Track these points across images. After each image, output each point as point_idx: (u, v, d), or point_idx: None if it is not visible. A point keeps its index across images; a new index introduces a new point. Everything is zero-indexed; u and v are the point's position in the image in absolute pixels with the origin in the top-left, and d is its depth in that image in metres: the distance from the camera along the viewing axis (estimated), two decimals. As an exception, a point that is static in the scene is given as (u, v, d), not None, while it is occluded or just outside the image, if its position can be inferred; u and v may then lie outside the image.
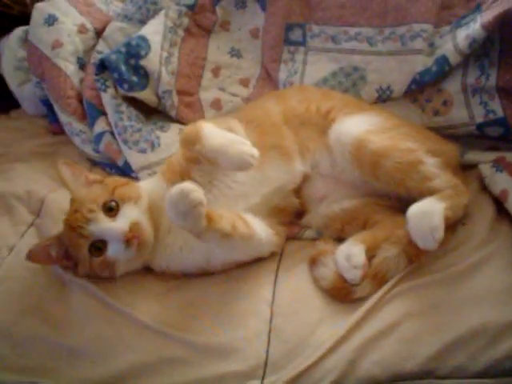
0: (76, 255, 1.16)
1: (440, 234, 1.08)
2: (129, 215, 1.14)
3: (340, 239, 1.22)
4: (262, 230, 1.19)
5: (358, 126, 1.24)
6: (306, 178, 1.31)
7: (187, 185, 1.02)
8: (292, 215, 1.33)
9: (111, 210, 1.15)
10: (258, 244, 1.19)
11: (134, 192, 1.20)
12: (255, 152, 1.10)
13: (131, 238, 1.11)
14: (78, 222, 1.13)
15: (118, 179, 1.27)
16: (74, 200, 1.19)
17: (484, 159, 1.37)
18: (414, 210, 1.11)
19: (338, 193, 1.31)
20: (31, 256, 1.16)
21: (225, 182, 1.23)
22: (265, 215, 1.24)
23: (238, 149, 1.10)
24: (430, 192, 1.16)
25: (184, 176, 1.19)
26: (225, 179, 1.23)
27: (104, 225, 1.12)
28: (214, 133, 1.14)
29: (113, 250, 1.12)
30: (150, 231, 1.16)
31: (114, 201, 1.16)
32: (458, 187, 1.18)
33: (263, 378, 1.02)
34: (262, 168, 1.22)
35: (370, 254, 1.15)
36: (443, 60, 1.39)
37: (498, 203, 1.26)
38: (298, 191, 1.31)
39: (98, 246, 1.12)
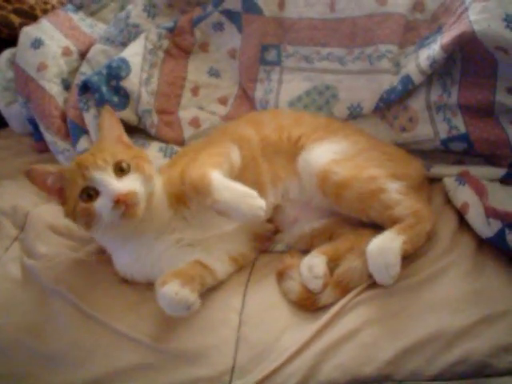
0: (67, 192, 1.18)
1: (395, 271, 1.13)
2: (132, 184, 1.16)
3: (307, 251, 1.26)
4: (221, 268, 1.25)
5: (323, 156, 1.28)
6: (277, 207, 1.35)
7: (178, 289, 1.09)
8: (266, 236, 1.38)
9: (121, 171, 1.17)
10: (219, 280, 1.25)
11: (150, 171, 1.22)
12: (264, 204, 1.12)
13: (121, 202, 1.12)
14: (87, 163, 1.15)
15: (145, 154, 1.30)
16: (96, 145, 1.24)
17: (449, 173, 1.42)
18: (372, 246, 1.15)
19: (308, 216, 1.35)
20: (30, 173, 1.19)
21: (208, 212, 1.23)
22: (238, 237, 1.30)
23: (248, 204, 1.11)
24: (392, 220, 1.20)
25: (180, 199, 1.23)
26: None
27: (106, 177, 1.14)
28: (224, 185, 1.14)
29: (100, 204, 1.13)
30: (142, 210, 1.16)
31: (128, 164, 1.19)
32: (419, 213, 1.21)
33: (230, 383, 1.06)
34: None
35: (333, 264, 1.20)
36: (407, 79, 1.44)
37: (461, 215, 1.30)
38: (269, 219, 1.35)
39: (90, 194, 1.14)
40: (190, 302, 1.08)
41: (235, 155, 1.30)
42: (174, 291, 1.08)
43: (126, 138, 1.31)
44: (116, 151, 1.21)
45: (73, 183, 1.16)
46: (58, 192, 1.21)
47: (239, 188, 1.14)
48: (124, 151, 1.23)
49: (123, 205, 1.12)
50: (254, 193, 1.12)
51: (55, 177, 1.19)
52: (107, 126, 1.27)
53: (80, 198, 1.15)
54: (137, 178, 1.18)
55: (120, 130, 1.30)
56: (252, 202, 1.11)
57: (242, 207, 1.11)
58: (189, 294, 1.09)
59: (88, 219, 1.16)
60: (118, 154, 1.20)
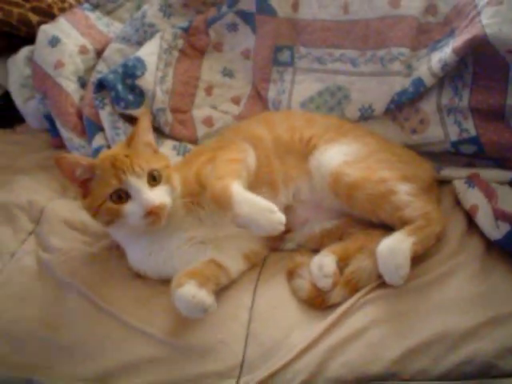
0: (96, 188, 1.20)
1: (405, 271, 1.15)
2: (163, 196, 1.20)
3: (317, 250, 1.28)
4: (235, 267, 1.27)
5: (334, 157, 1.30)
6: (288, 208, 1.36)
7: (195, 291, 1.10)
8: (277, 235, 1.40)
9: (153, 180, 1.20)
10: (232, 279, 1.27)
11: (176, 182, 1.26)
12: (283, 219, 1.13)
13: (152, 214, 1.16)
14: (124, 166, 1.18)
15: (175, 163, 1.34)
16: (131, 146, 1.24)
17: (459, 175, 1.43)
18: (383, 246, 1.17)
19: (318, 216, 1.36)
20: (60, 160, 1.20)
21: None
22: (249, 235, 1.29)
23: (268, 218, 1.12)
24: (402, 221, 1.22)
25: (194, 198, 1.26)
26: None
27: (141, 186, 1.17)
28: (244, 199, 1.14)
29: (131, 209, 1.17)
30: (166, 219, 1.21)
31: (160, 175, 1.22)
32: (429, 215, 1.22)
33: (239, 378, 1.08)
34: None
35: (343, 264, 1.21)
36: (419, 82, 1.46)
37: (470, 218, 1.31)
38: None
39: (120, 195, 1.17)
40: (206, 305, 1.10)
41: (251, 159, 1.32)
42: (191, 294, 1.10)
43: (154, 143, 1.34)
44: (150, 159, 1.23)
45: (104, 181, 1.18)
46: (82, 184, 1.22)
47: (259, 202, 1.14)
48: (156, 160, 1.26)
49: (153, 216, 1.17)
50: (273, 207, 1.13)
51: (85, 169, 1.20)
52: (143, 130, 1.28)
53: (109, 197, 1.18)
54: (166, 190, 1.22)
55: (151, 135, 1.32)
56: (272, 216, 1.12)
57: (261, 222, 1.12)
58: (206, 297, 1.10)
59: (112, 218, 1.20)
60: (152, 162, 1.23)
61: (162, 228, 1.23)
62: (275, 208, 1.13)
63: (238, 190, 1.15)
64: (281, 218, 1.12)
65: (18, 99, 1.89)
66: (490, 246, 1.24)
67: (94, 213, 1.21)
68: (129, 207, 1.18)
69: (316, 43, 1.65)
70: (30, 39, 1.87)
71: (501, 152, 1.41)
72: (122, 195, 1.18)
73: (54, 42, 1.78)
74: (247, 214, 1.12)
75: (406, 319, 1.12)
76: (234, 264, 1.27)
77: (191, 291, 1.10)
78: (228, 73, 1.79)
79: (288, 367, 1.07)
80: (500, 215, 1.19)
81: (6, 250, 1.40)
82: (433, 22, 1.55)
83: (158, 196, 1.19)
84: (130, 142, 1.25)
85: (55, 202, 1.56)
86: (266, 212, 1.12)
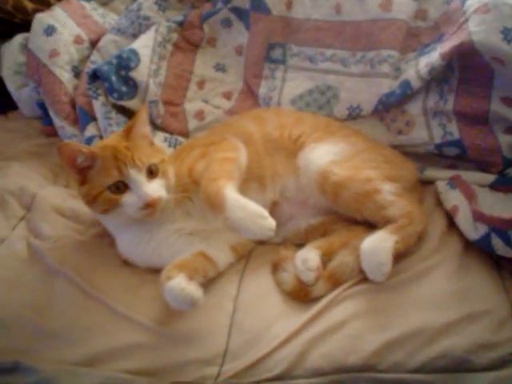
0: (95, 177, 1.22)
1: (387, 269, 1.19)
2: (160, 189, 1.23)
3: (302, 245, 1.31)
4: (223, 259, 1.30)
5: (323, 156, 1.33)
6: (274, 203, 1.39)
7: (184, 285, 1.13)
8: None
9: (151, 173, 1.24)
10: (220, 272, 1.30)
11: (172, 176, 1.29)
12: (273, 225, 1.15)
13: (149, 206, 1.20)
14: (126, 159, 1.20)
15: (167, 156, 1.35)
16: (129, 138, 1.26)
17: (441, 176, 1.47)
18: (366, 244, 1.21)
19: (304, 213, 1.39)
20: (62, 147, 1.21)
21: None
22: None
23: (258, 224, 1.14)
24: (385, 220, 1.25)
25: (185, 192, 1.28)
26: None
27: (141, 178, 1.21)
28: (237, 204, 1.16)
29: (129, 200, 1.20)
30: (159, 214, 1.24)
31: (157, 169, 1.25)
32: (411, 215, 1.26)
33: (221, 366, 1.11)
34: None
35: (326, 258, 1.25)
36: (406, 84, 1.49)
37: (450, 218, 1.35)
38: None
39: (119, 187, 1.20)
40: (195, 299, 1.12)
41: (243, 157, 1.35)
42: (180, 287, 1.12)
43: (151, 135, 1.36)
44: (149, 153, 1.27)
45: (105, 171, 1.21)
46: (80, 171, 1.24)
47: (251, 207, 1.16)
48: (154, 153, 1.29)
49: (150, 209, 1.21)
50: (264, 213, 1.16)
51: (86, 157, 1.21)
52: (141, 122, 1.30)
53: (108, 187, 1.21)
54: (163, 184, 1.25)
55: (148, 128, 1.35)
56: (262, 222, 1.15)
57: (252, 227, 1.14)
58: (194, 291, 1.13)
59: (109, 208, 1.22)
60: (151, 156, 1.26)
61: (152, 219, 1.26)
62: (266, 214, 1.16)
63: (230, 194, 1.18)
64: (271, 223, 1.15)
65: (12, 86, 1.90)
66: (469, 245, 1.28)
67: (91, 200, 1.23)
68: (127, 198, 1.21)
69: (308, 42, 1.68)
70: (25, 26, 1.88)
71: (483, 155, 1.45)
72: (121, 186, 1.21)
73: (50, 31, 1.79)
74: (239, 219, 1.15)
75: (385, 314, 1.15)
76: (222, 256, 1.30)
77: (181, 284, 1.13)
78: (220, 68, 1.81)
79: (269, 357, 1.10)
80: (479, 217, 1.23)
81: (-3, 235, 1.41)
82: (422, 26, 1.59)
83: (156, 189, 1.22)
84: (128, 133, 1.28)
85: (47, 189, 1.58)
86: (257, 217, 1.15)
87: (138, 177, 1.21)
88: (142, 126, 1.31)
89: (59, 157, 1.22)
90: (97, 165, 1.22)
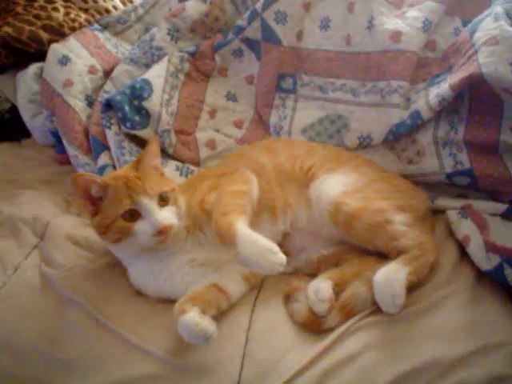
0: (108, 207, 1.23)
1: (401, 300, 1.18)
2: (171, 216, 1.25)
3: (314, 275, 1.31)
4: (236, 290, 1.30)
5: (335, 187, 1.33)
6: (285, 235, 1.40)
7: (198, 320, 1.13)
8: None
9: (162, 201, 1.25)
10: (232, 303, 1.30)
11: (182, 204, 1.31)
12: (284, 260, 1.14)
13: (161, 233, 1.21)
14: (137, 187, 1.23)
15: (178, 185, 1.37)
16: (139, 169, 1.28)
17: (452, 206, 1.48)
18: (379, 276, 1.21)
19: (315, 244, 1.39)
20: (77, 179, 1.23)
21: None
22: None
23: (269, 260, 1.14)
24: (397, 250, 1.25)
25: (196, 223, 1.30)
26: None
27: (153, 206, 1.22)
28: (248, 239, 1.16)
29: (141, 228, 1.22)
30: (170, 241, 1.26)
31: (168, 197, 1.27)
32: (424, 245, 1.26)
33: (234, 398, 1.11)
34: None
35: (339, 289, 1.24)
36: (416, 114, 1.51)
37: (462, 247, 1.34)
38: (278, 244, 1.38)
39: (131, 214, 1.22)
40: (209, 334, 1.12)
41: (255, 190, 1.35)
42: (194, 322, 1.12)
43: (161, 167, 1.39)
44: (159, 182, 1.29)
45: (117, 200, 1.22)
46: (94, 202, 1.26)
47: (262, 242, 1.16)
48: (165, 182, 1.31)
49: (162, 236, 1.22)
50: (275, 247, 1.15)
51: (99, 187, 1.24)
52: (151, 154, 1.33)
53: (121, 216, 1.22)
54: (174, 211, 1.26)
55: (159, 160, 1.38)
56: (273, 258, 1.14)
57: (263, 263, 1.14)
58: (208, 326, 1.13)
59: (122, 236, 1.23)
60: (162, 185, 1.28)
61: (164, 249, 1.27)
62: (276, 248, 1.15)
63: (242, 230, 1.18)
64: (281, 258, 1.14)
65: (26, 114, 1.92)
66: (481, 275, 1.27)
67: (104, 230, 1.24)
68: (139, 226, 1.22)
69: (318, 72, 1.71)
70: (40, 56, 1.91)
71: (493, 185, 1.45)
72: (133, 214, 1.22)
73: (64, 61, 1.82)
74: (249, 254, 1.15)
75: (398, 346, 1.14)
76: (235, 287, 1.30)
77: (195, 319, 1.13)
78: (231, 97, 1.84)
79: (282, 389, 1.10)
80: (491, 247, 1.23)
81: (10, 263, 1.42)
82: (431, 57, 1.61)
83: (167, 217, 1.24)
84: (138, 164, 1.30)
85: (59, 217, 1.59)
86: (268, 253, 1.14)
87: (149, 204, 1.22)
88: (153, 158, 1.34)
89: (73, 188, 1.24)
90: (109, 195, 1.24)
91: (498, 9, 1.46)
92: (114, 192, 1.23)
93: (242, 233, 1.17)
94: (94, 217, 1.26)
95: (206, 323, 1.13)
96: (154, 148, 1.33)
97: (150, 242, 1.23)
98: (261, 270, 1.16)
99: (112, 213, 1.23)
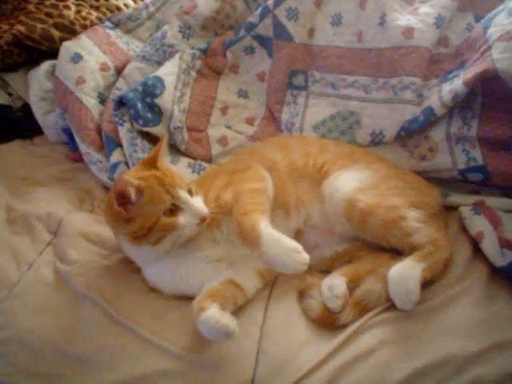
0: (146, 208, 1.20)
1: (415, 297, 1.18)
2: (203, 204, 1.27)
3: (328, 271, 1.32)
4: (251, 286, 1.30)
5: (348, 184, 1.34)
6: (298, 232, 1.40)
7: (219, 317, 1.12)
8: None
9: (189, 193, 1.27)
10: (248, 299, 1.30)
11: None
12: (307, 259, 1.15)
13: (205, 220, 1.24)
14: (173, 183, 1.24)
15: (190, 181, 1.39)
16: (159, 167, 1.29)
17: (465, 202, 1.47)
18: (394, 273, 1.21)
19: (329, 241, 1.39)
20: (121, 182, 1.20)
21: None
22: None
23: (293, 259, 1.14)
24: (411, 247, 1.26)
25: (212, 220, 1.28)
26: None
27: (188, 197, 1.24)
28: (272, 239, 1.17)
29: (185, 220, 1.22)
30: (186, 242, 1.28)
31: (191, 188, 1.28)
32: (438, 242, 1.26)
33: (249, 394, 1.11)
34: None
35: (353, 286, 1.25)
36: (429, 111, 1.50)
37: (475, 243, 1.34)
38: None
39: (171, 209, 1.22)
40: (230, 330, 1.11)
41: (270, 187, 1.35)
42: (215, 319, 1.12)
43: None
44: (180, 175, 1.30)
45: (156, 199, 1.21)
46: (125, 204, 1.22)
47: (286, 242, 1.16)
48: (183, 177, 1.32)
49: (205, 222, 1.24)
50: (299, 247, 1.15)
51: (136, 191, 1.21)
52: (163, 152, 1.35)
53: (164, 213, 1.22)
54: (201, 199, 1.28)
55: (168, 160, 1.41)
56: (297, 257, 1.14)
57: (287, 262, 1.14)
58: (229, 322, 1.12)
59: (166, 232, 1.22)
60: (183, 178, 1.30)
61: (179, 246, 1.28)
62: (300, 248, 1.16)
63: (265, 230, 1.18)
64: (305, 258, 1.15)
65: (38, 112, 1.94)
66: (495, 271, 1.27)
67: (144, 234, 1.22)
68: (183, 218, 1.23)
69: (330, 69, 1.71)
70: (52, 53, 1.93)
71: (507, 181, 1.44)
72: (172, 209, 1.23)
73: (77, 58, 1.83)
74: (274, 255, 1.15)
75: (413, 342, 1.15)
76: (250, 283, 1.30)
77: (215, 316, 1.12)
78: (243, 94, 1.85)
79: (297, 385, 1.10)
80: (505, 243, 1.23)
81: (24, 260, 1.43)
82: (444, 53, 1.61)
83: (202, 204, 1.27)
84: (155, 162, 1.30)
85: (73, 214, 1.61)
86: (292, 252, 1.15)
87: (186, 196, 1.24)
88: (165, 155, 1.37)
89: (115, 193, 1.21)
90: (145, 197, 1.21)
91: (511, 4, 1.45)
92: (152, 192, 1.22)
93: (267, 233, 1.18)
94: (128, 224, 1.23)
95: (227, 320, 1.13)
96: (162, 148, 1.34)
97: (194, 231, 1.25)
98: (286, 269, 1.16)
99: (153, 212, 1.21)
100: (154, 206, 1.21)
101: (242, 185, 1.33)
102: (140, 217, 1.22)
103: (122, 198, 1.21)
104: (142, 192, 1.21)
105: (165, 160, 1.36)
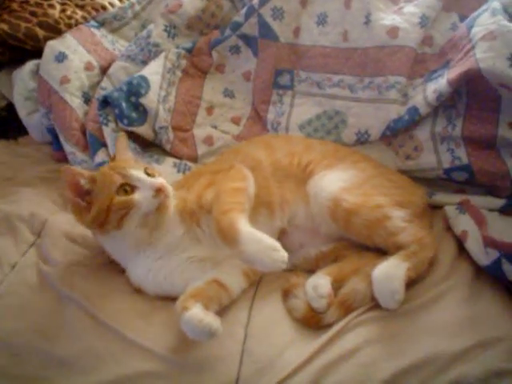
0: (100, 193, 1.25)
1: (400, 296, 1.19)
2: (162, 179, 1.29)
3: (312, 271, 1.31)
4: (236, 286, 1.30)
5: (333, 183, 1.34)
6: (283, 231, 1.40)
7: (202, 316, 1.12)
8: None
9: (148, 175, 1.28)
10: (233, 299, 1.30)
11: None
12: (286, 257, 1.15)
13: (160, 192, 1.24)
14: (124, 165, 1.28)
15: (174, 181, 1.44)
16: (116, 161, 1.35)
17: (450, 201, 1.48)
18: (378, 272, 1.21)
19: (313, 241, 1.40)
20: (66, 172, 1.26)
21: None
22: None
23: (271, 257, 1.14)
24: (396, 246, 1.26)
25: (194, 219, 1.30)
26: None
27: (142, 175, 1.26)
28: (250, 237, 1.17)
29: (140, 195, 1.24)
30: (171, 207, 1.29)
31: (152, 172, 1.31)
32: (422, 241, 1.27)
33: (234, 395, 1.10)
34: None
35: (338, 285, 1.25)
36: (414, 110, 1.51)
37: (460, 243, 1.35)
38: None
39: (126, 189, 1.24)
40: (213, 330, 1.11)
41: (252, 186, 1.35)
42: (198, 318, 1.11)
43: (134, 158, 1.46)
44: (137, 161, 1.35)
45: (108, 182, 1.25)
46: (83, 195, 1.27)
47: (264, 240, 1.17)
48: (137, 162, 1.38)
49: (162, 193, 1.25)
50: (277, 245, 1.16)
51: (87, 180, 1.26)
52: (122, 150, 1.40)
53: (116, 193, 1.24)
54: (159, 178, 1.29)
55: (130, 152, 1.44)
56: (275, 255, 1.14)
57: (265, 260, 1.14)
58: (213, 321, 1.12)
59: (124, 212, 1.23)
60: (140, 163, 1.35)
61: (160, 245, 1.28)
62: (279, 246, 1.16)
63: (244, 229, 1.18)
64: (283, 256, 1.15)
65: (22, 111, 1.92)
66: (479, 270, 1.27)
67: (104, 217, 1.24)
68: (138, 194, 1.24)
69: (315, 68, 1.71)
70: (36, 53, 1.90)
71: (491, 180, 1.46)
72: (128, 188, 1.24)
73: (61, 57, 1.81)
74: (253, 252, 1.15)
75: (397, 341, 1.14)
76: (235, 282, 1.29)
77: (198, 315, 1.12)
78: (229, 93, 1.84)
79: (281, 385, 1.09)
80: (489, 242, 1.23)
81: (7, 261, 1.41)
82: (429, 52, 1.61)
83: (159, 179, 1.28)
84: (113, 160, 1.36)
85: (57, 214, 1.58)
86: (271, 250, 1.15)
87: (139, 174, 1.26)
88: (124, 153, 1.41)
89: (63, 181, 1.26)
90: (98, 183, 1.26)
91: (495, 4, 1.46)
92: (103, 177, 1.26)
93: (245, 231, 1.18)
94: (88, 212, 1.26)
95: (211, 319, 1.12)
96: (121, 145, 1.38)
97: (152, 205, 1.25)
98: (264, 267, 1.16)
99: (107, 194, 1.24)
100: (106, 188, 1.25)
101: (223, 184, 1.32)
102: (96, 202, 1.25)
103: (76, 189, 1.26)
104: (95, 180, 1.26)
105: (127, 156, 1.40)
